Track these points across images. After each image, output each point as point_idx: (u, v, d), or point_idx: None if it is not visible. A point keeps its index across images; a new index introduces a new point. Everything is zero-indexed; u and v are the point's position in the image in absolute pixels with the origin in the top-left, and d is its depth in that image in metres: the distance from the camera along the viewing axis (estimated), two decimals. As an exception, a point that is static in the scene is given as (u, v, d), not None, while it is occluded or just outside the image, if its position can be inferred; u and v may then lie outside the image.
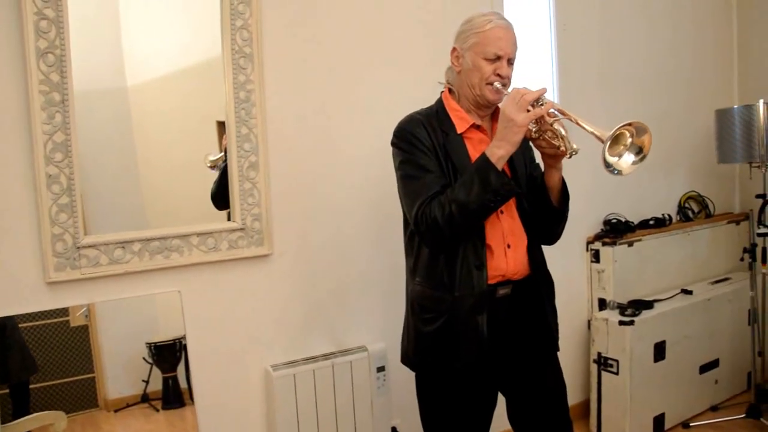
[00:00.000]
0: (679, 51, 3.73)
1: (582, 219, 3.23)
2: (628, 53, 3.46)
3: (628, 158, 1.56)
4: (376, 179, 2.47)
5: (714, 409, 3.34)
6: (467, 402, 1.78)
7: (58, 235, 1.89)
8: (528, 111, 1.59)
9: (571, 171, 1.63)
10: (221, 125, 2.22)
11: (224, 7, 2.15)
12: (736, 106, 3.21)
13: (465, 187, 1.62)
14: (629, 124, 1.52)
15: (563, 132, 1.60)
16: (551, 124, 1.61)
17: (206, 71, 2.21)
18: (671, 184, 3.73)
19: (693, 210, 3.79)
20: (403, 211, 1.81)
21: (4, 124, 1.83)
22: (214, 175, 2.24)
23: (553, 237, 1.89)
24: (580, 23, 3.24)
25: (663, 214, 3.54)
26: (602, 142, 1.50)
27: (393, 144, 1.80)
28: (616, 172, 1.55)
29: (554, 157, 1.70)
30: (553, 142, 1.63)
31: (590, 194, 3.29)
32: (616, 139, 1.53)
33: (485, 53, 1.71)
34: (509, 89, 1.72)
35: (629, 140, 1.55)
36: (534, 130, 1.66)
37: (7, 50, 1.82)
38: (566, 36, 3.18)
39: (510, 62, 1.74)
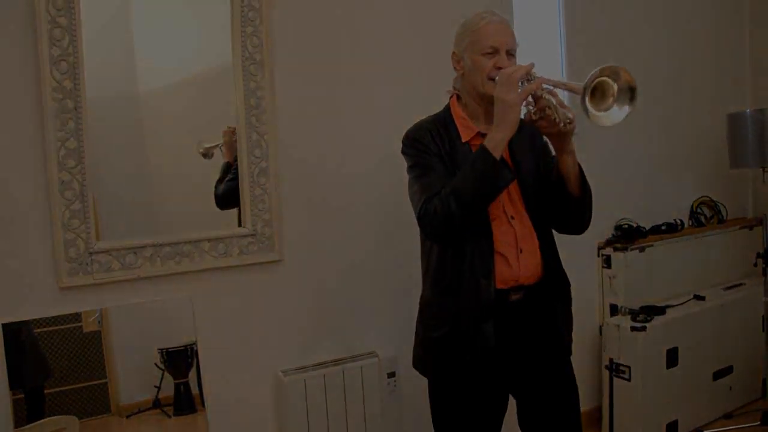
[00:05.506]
0: (692, 55, 3.71)
1: (593, 224, 3.16)
2: (639, 57, 3.44)
3: (622, 108, 1.55)
4: (387, 185, 2.47)
5: (728, 416, 3.30)
6: (478, 406, 1.78)
7: (70, 241, 1.90)
8: (519, 89, 1.57)
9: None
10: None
11: (235, 14, 2.16)
12: (748, 110, 3.18)
13: (463, 176, 1.62)
14: (601, 74, 1.51)
15: (554, 102, 1.57)
16: (542, 96, 1.58)
17: (217, 78, 2.22)
18: (683, 189, 3.70)
19: (705, 215, 3.76)
20: None
21: (18, 131, 1.85)
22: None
23: (581, 226, 1.85)
24: (589, 26, 3.22)
25: (675, 220, 3.51)
26: (579, 93, 1.48)
27: (402, 151, 1.82)
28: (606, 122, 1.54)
29: (560, 137, 1.66)
30: (551, 118, 1.59)
31: (601, 199, 3.23)
32: (602, 93, 1.51)
33: (482, 48, 1.71)
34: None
35: (615, 87, 1.54)
36: (533, 111, 1.62)
37: (21, 58, 1.84)
38: (576, 39, 3.17)
39: (510, 54, 1.72)
